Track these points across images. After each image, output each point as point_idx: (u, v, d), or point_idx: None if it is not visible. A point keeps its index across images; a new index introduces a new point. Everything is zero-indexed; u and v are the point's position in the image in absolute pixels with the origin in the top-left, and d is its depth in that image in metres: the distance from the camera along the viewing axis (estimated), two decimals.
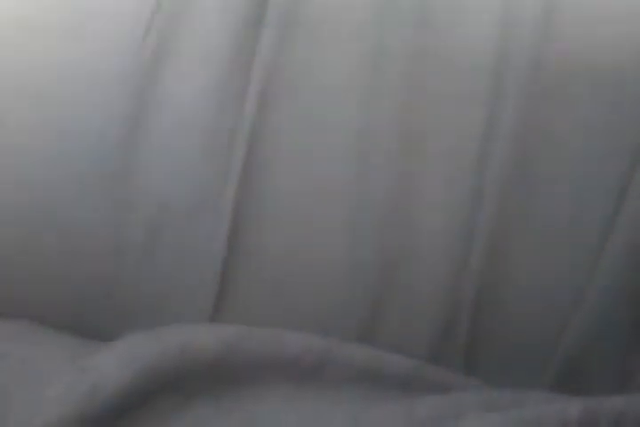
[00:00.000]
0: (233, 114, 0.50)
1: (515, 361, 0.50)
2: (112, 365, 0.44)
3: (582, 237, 0.49)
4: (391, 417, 0.43)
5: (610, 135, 0.49)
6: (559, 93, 0.49)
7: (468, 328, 0.50)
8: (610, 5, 0.49)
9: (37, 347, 0.49)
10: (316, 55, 0.50)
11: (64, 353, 0.48)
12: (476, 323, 0.50)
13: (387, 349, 0.49)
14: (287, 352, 0.45)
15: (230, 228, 0.50)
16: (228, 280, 0.50)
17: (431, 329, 0.50)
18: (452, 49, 0.50)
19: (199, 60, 0.50)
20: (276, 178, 0.50)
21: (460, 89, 0.50)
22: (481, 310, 0.50)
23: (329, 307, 0.50)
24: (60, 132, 0.51)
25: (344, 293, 0.50)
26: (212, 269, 0.50)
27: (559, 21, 0.49)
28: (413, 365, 0.46)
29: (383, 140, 0.50)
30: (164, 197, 0.50)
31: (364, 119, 0.50)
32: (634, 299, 0.49)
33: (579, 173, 0.49)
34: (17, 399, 0.45)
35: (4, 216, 0.51)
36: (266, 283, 0.50)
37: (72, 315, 0.52)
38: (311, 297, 0.50)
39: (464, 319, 0.50)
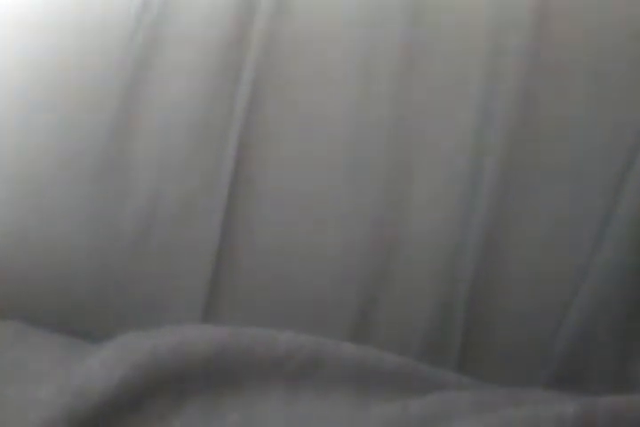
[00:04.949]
0: (224, 109, 0.50)
1: (512, 357, 0.50)
2: (101, 366, 0.43)
3: (580, 228, 0.49)
4: (385, 417, 0.42)
5: (607, 127, 0.49)
6: (555, 86, 0.49)
7: (463, 321, 0.50)
8: None
9: (28, 348, 0.48)
10: (306, 53, 0.50)
11: (55, 354, 0.48)
12: (472, 317, 0.50)
13: (381, 342, 0.49)
14: (279, 352, 0.44)
15: (223, 224, 0.50)
16: (220, 277, 0.50)
17: (426, 323, 0.50)
18: (443, 47, 0.50)
19: (190, 56, 0.50)
20: (269, 172, 0.50)
21: (454, 75, 0.49)
22: (476, 304, 0.50)
23: (322, 301, 0.50)
24: (53, 127, 0.51)
25: (337, 288, 0.50)
26: (204, 266, 0.50)
27: (553, 18, 0.49)
28: (406, 363, 0.46)
29: (377, 132, 0.50)
30: (155, 192, 0.50)
31: (355, 118, 0.50)
32: (631, 293, 0.49)
33: (576, 165, 0.49)
34: (7, 400, 0.45)
35: None
36: (259, 279, 0.50)
37: (63, 315, 0.52)
38: (304, 293, 0.50)
39: (459, 312, 0.50)
